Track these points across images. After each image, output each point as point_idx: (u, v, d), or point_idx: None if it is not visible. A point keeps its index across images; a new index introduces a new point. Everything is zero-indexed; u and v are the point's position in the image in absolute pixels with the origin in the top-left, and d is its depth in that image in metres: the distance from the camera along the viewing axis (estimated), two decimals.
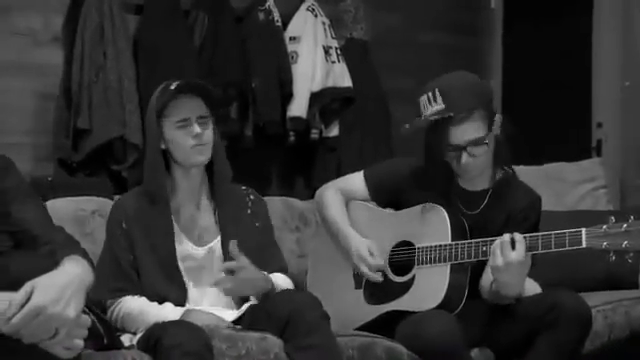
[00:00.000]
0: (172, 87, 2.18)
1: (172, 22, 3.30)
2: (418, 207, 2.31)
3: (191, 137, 2.18)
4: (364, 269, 2.31)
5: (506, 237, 2.08)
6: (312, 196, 3.45)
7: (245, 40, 3.46)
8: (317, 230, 2.70)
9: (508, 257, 2.06)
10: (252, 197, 2.35)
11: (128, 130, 3.14)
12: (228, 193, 2.30)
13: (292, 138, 3.55)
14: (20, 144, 3.07)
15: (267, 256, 2.29)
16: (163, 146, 2.22)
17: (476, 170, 2.25)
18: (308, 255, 2.63)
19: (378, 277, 2.30)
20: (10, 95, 3.12)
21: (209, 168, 2.29)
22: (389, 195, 2.40)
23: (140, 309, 2.14)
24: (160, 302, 2.17)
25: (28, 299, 1.55)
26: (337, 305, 2.31)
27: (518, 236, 2.08)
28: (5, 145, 2.89)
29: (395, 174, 2.39)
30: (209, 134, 2.22)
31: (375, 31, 3.86)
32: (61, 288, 1.57)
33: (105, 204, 2.62)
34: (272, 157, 3.70)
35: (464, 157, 2.18)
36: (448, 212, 2.24)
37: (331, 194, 2.46)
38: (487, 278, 2.21)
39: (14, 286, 1.57)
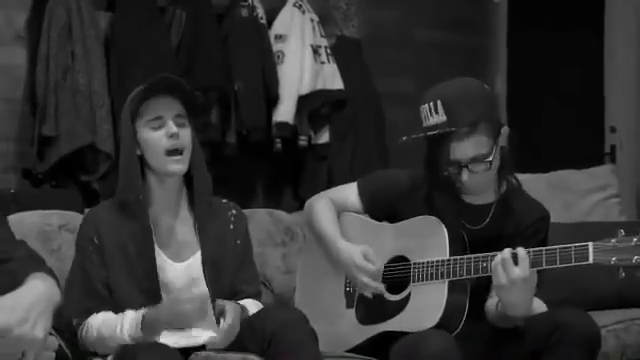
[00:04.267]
0: (143, 87, 2.21)
1: (147, 19, 3.33)
2: (414, 219, 2.34)
3: (166, 137, 2.19)
4: (363, 278, 2.31)
5: (507, 252, 2.10)
6: (300, 208, 3.45)
7: (226, 39, 3.48)
8: (305, 245, 2.73)
9: (511, 274, 2.08)
10: (234, 212, 2.38)
11: (98, 137, 3.16)
12: (209, 206, 2.30)
13: (278, 145, 3.57)
14: None
15: (243, 278, 2.33)
16: (138, 152, 2.23)
17: (478, 187, 2.27)
18: (295, 272, 2.65)
19: (380, 286, 2.31)
20: None
21: (188, 178, 2.30)
22: (385, 208, 2.42)
23: (103, 325, 2.15)
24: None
25: None
26: (327, 325, 2.33)
27: (521, 251, 2.10)
28: None
29: (392, 185, 2.41)
30: (186, 136, 2.22)
31: (368, 28, 3.90)
32: (27, 307, 1.58)
33: (73, 218, 2.62)
34: (257, 166, 3.71)
35: (465, 174, 2.20)
36: (447, 225, 2.27)
37: (322, 205, 2.48)
38: (492, 301, 2.23)
39: None
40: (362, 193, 2.45)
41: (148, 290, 2.21)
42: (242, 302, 2.27)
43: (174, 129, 2.19)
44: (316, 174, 3.70)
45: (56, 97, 3.11)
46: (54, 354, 1.66)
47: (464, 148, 2.18)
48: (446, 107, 2.19)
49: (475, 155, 2.19)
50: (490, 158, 2.20)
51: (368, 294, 2.35)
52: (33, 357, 1.59)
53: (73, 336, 2.19)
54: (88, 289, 2.21)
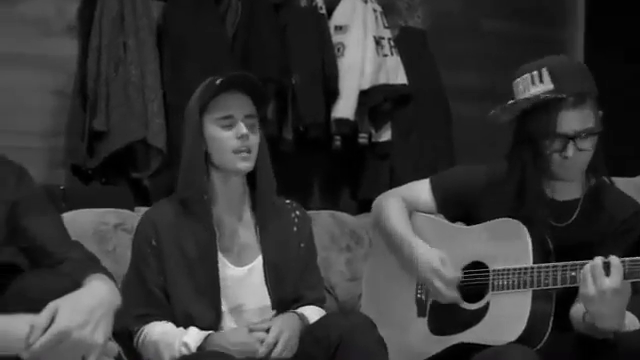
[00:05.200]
0: (217, 82, 2.20)
1: (201, 9, 3.33)
2: (493, 222, 2.27)
3: (236, 138, 2.19)
4: (438, 284, 2.27)
5: (598, 261, 2.04)
6: (359, 209, 3.55)
7: (284, 30, 3.49)
8: (372, 249, 2.69)
9: (602, 285, 2.01)
10: (298, 213, 2.37)
11: (150, 132, 3.16)
12: (272, 207, 2.30)
13: (338, 143, 3.55)
14: (28, 148, 3.08)
15: (306, 283, 2.32)
16: (204, 148, 2.23)
17: (579, 168, 2.21)
18: (361, 278, 2.61)
19: (456, 294, 2.26)
20: (17, 92, 3.14)
21: (251, 177, 2.29)
22: (460, 207, 2.37)
23: (162, 336, 2.15)
24: (188, 327, 2.17)
25: (52, 322, 1.56)
26: (397, 335, 2.29)
27: (614, 260, 2.03)
28: (11, 149, 2.89)
29: (468, 183, 2.36)
30: (255, 138, 2.23)
31: (434, 19, 3.87)
32: (88, 310, 1.59)
33: (129, 217, 2.63)
34: (314, 164, 3.72)
35: (570, 149, 2.14)
36: (530, 229, 2.20)
37: (392, 203, 2.43)
38: (578, 308, 2.16)
39: (33, 308, 1.58)
40: (435, 190, 2.40)
41: (208, 297, 2.20)
42: (302, 309, 2.27)
43: (244, 130, 2.19)
44: (377, 174, 3.68)
45: (107, 90, 3.13)
46: None
47: (572, 119, 2.13)
48: (553, 75, 2.14)
49: (583, 128, 2.13)
50: (599, 129, 2.16)
51: (442, 301, 2.30)
52: None
53: (130, 342, 2.19)
54: (145, 294, 2.20)
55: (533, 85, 2.16)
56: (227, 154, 2.20)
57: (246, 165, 2.21)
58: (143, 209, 2.74)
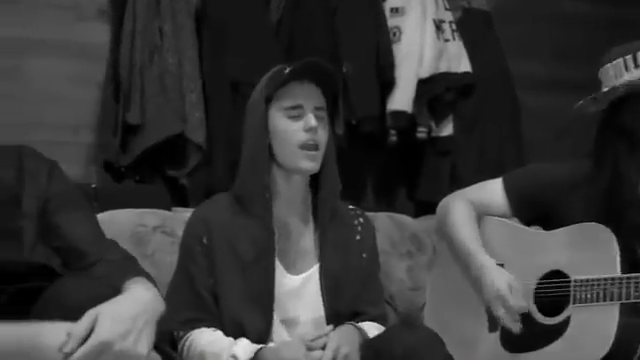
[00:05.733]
0: (287, 71, 2.17)
1: None
2: (574, 227, 2.21)
3: (304, 131, 2.15)
4: (501, 312, 2.22)
5: None
6: (418, 211, 3.53)
7: (334, 13, 3.43)
8: (436, 257, 2.63)
9: None
10: (362, 220, 2.34)
11: (189, 126, 3.13)
12: (334, 212, 2.26)
13: (393, 138, 3.51)
14: (57, 142, 3.05)
15: (366, 298, 2.29)
16: (268, 141, 2.20)
17: None
18: (424, 288, 2.56)
19: (517, 326, 2.22)
20: (46, 81, 3.13)
21: (314, 178, 2.26)
22: (537, 210, 2.31)
23: (209, 346, 2.13)
24: (238, 336, 2.14)
25: (91, 331, 1.55)
26: (465, 352, 2.26)
27: None
28: (38, 143, 2.89)
29: (547, 182, 2.30)
30: (324, 135, 2.19)
31: None
32: (131, 319, 1.58)
33: (170, 218, 2.58)
34: (368, 161, 3.68)
35: None
36: (618, 234, 2.13)
37: (460, 207, 2.38)
38: None
39: (70, 315, 1.56)
40: (510, 190, 2.35)
41: (261, 304, 2.17)
42: (362, 324, 2.23)
43: (313, 123, 2.14)
44: (437, 172, 3.62)
45: (142, 80, 3.11)
46: None
47: None
48: None
49: None
50: None
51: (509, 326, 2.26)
52: None
53: (172, 349, 2.16)
54: (193, 297, 2.18)
55: (627, 71, 2.12)
56: (292, 148, 2.16)
57: (311, 165, 2.17)
58: (180, 210, 2.74)
